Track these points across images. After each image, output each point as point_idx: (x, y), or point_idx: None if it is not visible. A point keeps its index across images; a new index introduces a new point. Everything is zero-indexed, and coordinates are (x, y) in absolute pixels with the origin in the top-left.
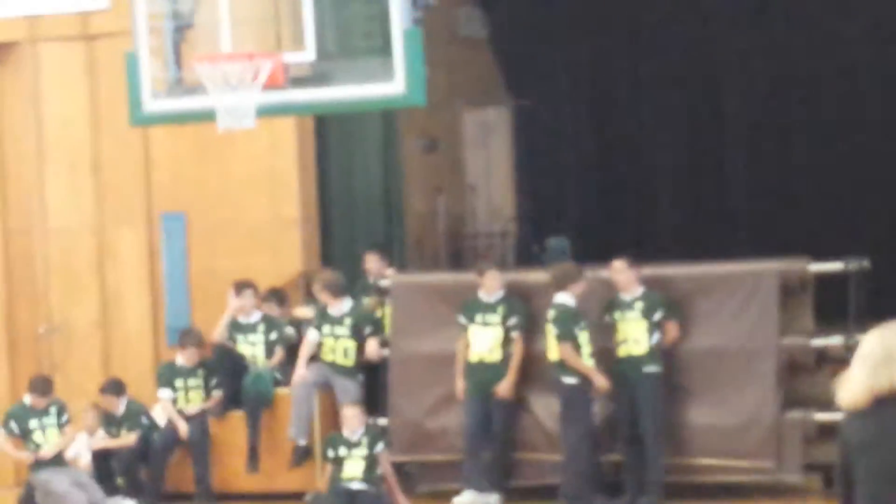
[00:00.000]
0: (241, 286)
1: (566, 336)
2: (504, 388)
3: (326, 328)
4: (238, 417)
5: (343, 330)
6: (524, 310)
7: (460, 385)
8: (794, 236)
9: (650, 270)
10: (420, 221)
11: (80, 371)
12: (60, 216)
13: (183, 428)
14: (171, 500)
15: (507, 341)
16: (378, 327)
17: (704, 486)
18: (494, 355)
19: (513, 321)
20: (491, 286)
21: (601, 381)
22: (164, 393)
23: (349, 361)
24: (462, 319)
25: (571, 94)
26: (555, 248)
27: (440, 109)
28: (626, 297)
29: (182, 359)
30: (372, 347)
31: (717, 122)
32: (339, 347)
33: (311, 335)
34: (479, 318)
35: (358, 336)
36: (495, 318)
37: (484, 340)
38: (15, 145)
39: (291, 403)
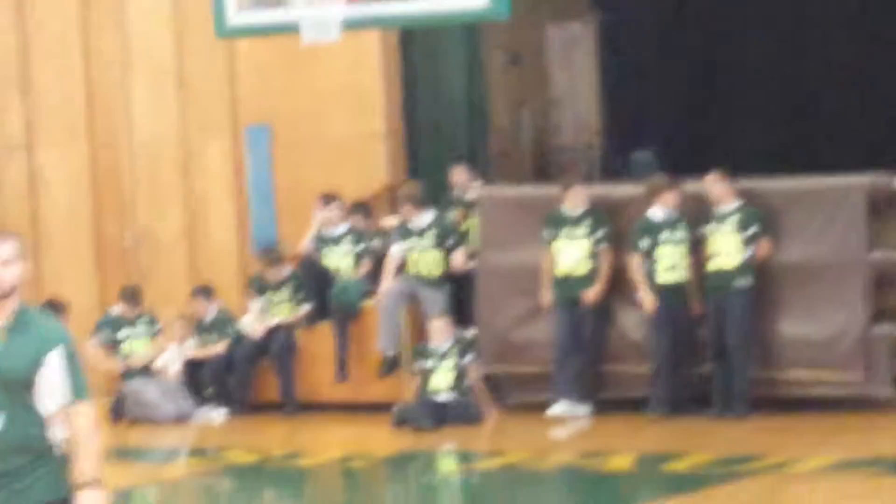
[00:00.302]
0: (327, 199)
1: (633, 247)
2: (592, 294)
3: (410, 240)
4: (325, 329)
5: (426, 241)
6: (610, 222)
7: (546, 297)
8: (882, 152)
9: (738, 185)
10: (504, 135)
11: (167, 282)
12: (146, 129)
13: (257, 332)
14: (259, 409)
15: (593, 255)
16: (462, 238)
17: (792, 398)
18: (582, 269)
19: (599, 234)
20: (575, 201)
21: (648, 302)
22: (256, 304)
23: (435, 272)
24: (547, 234)
25: (656, 7)
26: (639, 161)
27: (524, 23)
28: (721, 209)
29: (269, 275)
30: (458, 259)
31: (802, 34)
32: (424, 259)
33: (396, 248)
34: (564, 232)
35: (442, 247)
36: (581, 231)
37: (570, 254)
38: (101, 60)
39: (379, 315)
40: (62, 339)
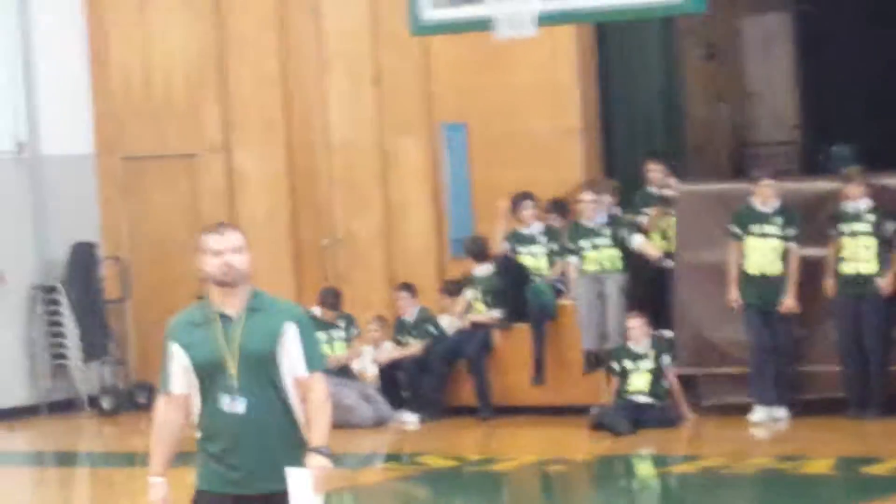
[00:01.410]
0: (518, 198)
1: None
2: (788, 304)
3: (584, 243)
4: (522, 330)
5: (604, 241)
6: (800, 220)
7: (734, 295)
8: None
9: None
10: (701, 130)
11: (363, 283)
12: (342, 129)
13: (465, 324)
14: (454, 412)
15: (784, 254)
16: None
17: None
18: (775, 267)
19: (790, 232)
20: (765, 195)
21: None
22: (462, 299)
23: (616, 266)
24: (735, 229)
25: None
26: (839, 156)
27: (720, 16)
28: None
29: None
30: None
31: None
32: (604, 258)
33: (571, 259)
34: (755, 228)
35: (618, 243)
36: (772, 228)
37: (762, 252)
38: (297, 59)
39: (577, 314)
40: (297, 313)
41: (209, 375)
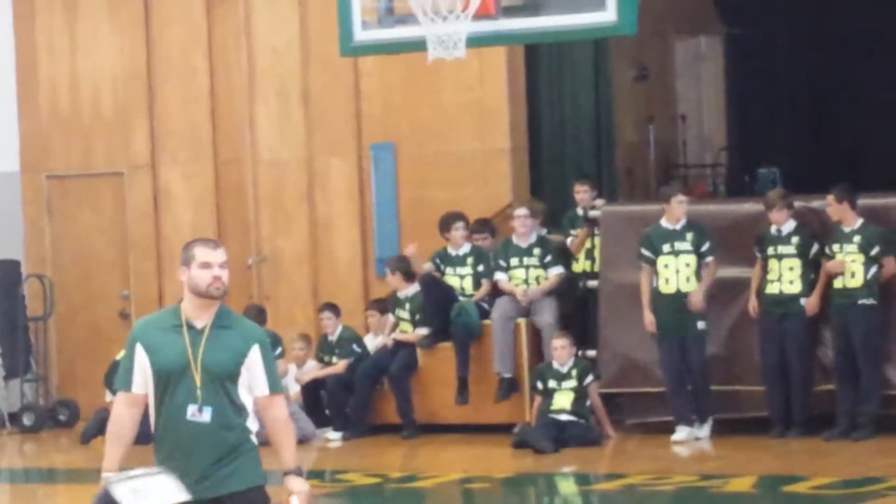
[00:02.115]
0: (449, 218)
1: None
2: (694, 301)
3: (514, 261)
4: (446, 349)
5: (533, 260)
6: (712, 235)
7: (649, 318)
8: None
9: (865, 200)
10: (630, 151)
11: (289, 301)
12: (270, 147)
13: (388, 343)
14: (377, 430)
15: (698, 269)
16: (559, 259)
17: None
18: (690, 285)
19: (704, 246)
20: (677, 212)
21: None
22: (385, 320)
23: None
24: (646, 252)
25: (784, 23)
26: (766, 178)
27: (651, 38)
28: (844, 229)
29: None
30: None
31: None
32: (531, 277)
33: (499, 276)
34: (666, 247)
35: (545, 266)
36: (684, 245)
37: (676, 268)
38: (226, 77)
39: (492, 337)
40: (261, 335)
41: (169, 381)
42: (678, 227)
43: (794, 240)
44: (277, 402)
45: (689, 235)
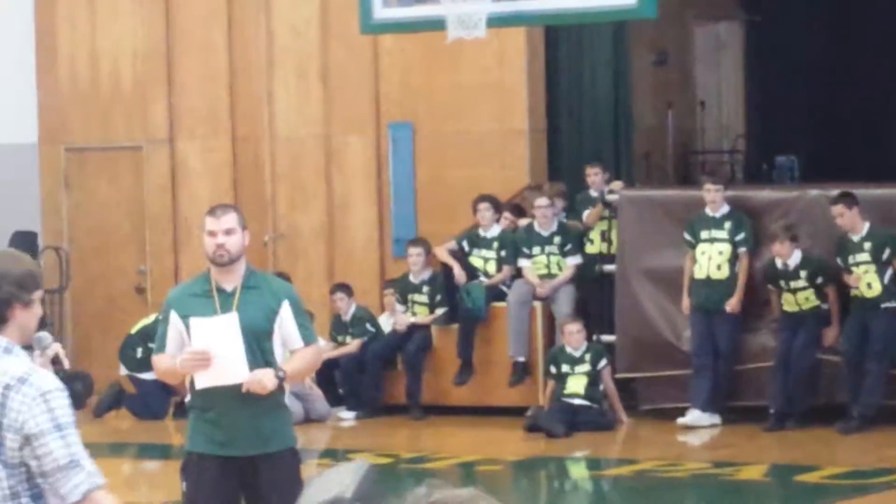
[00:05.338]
0: (479, 199)
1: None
2: (733, 304)
3: (536, 249)
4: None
5: (553, 248)
6: (751, 226)
7: (686, 302)
8: None
9: (881, 191)
10: (648, 136)
11: (304, 279)
12: (288, 124)
13: (402, 326)
14: (390, 411)
15: (734, 258)
16: (578, 248)
17: None
18: (722, 272)
19: (740, 237)
20: (713, 200)
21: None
22: (398, 304)
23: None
24: (688, 237)
25: (804, 11)
26: (784, 166)
27: (671, 23)
28: (853, 238)
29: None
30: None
31: None
32: (552, 264)
33: (522, 262)
34: (704, 234)
35: (564, 254)
36: (721, 233)
37: (710, 256)
38: (245, 53)
39: (508, 321)
40: (291, 291)
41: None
42: (717, 215)
43: (803, 273)
44: (310, 351)
45: (728, 224)
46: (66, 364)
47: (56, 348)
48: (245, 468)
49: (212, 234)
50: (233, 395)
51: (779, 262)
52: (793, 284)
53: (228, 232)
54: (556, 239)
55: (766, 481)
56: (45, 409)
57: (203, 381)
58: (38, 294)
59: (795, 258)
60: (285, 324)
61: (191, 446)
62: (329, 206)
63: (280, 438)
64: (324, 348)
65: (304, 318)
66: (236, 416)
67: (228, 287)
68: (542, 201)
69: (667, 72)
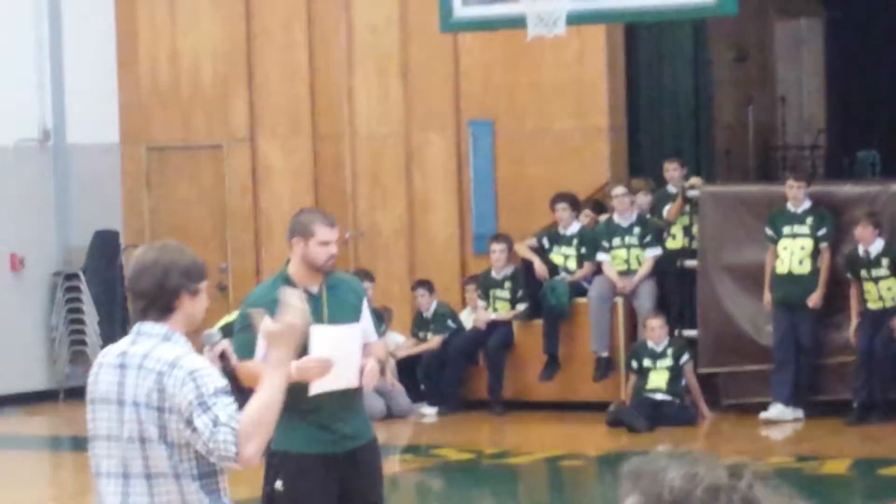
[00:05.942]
0: (558, 198)
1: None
2: (815, 299)
3: (616, 240)
4: (541, 326)
5: (633, 240)
6: (832, 220)
7: (768, 297)
8: None
9: None
10: (729, 132)
11: (385, 276)
12: (369, 122)
13: (482, 323)
14: (471, 407)
15: (816, 253)
16: (658, 240)
17: None
18: (804, 267)
19: (822, 232)
20: (794, 196)
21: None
22: (479, 300)
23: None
24: (770, 232)
25: (884, 6)
26: (865, 161)
27: (751, 19)
28: (870, 251)
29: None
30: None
31: None
32: (632, 257)
33: (602, 257)
34: (786, 229)
35: (644, 245)
36: (803, 229)
37: (792, 251)
38: (325, 52)
39: (590, 316)
40: (362, 288)
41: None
42: (799, 210)
43: (884, 262)
44: (381, 345)
45: (809, 220)
46: (234, 360)
47: (224, 344)
48: (343, 463)
49: (326, 243)
50: (340, 395)
51: (860, 249)
52: (874, 273)
53: (336, 242)
54: (636, 230)
55: (849, 475)
56: (192, 388)
57: (318, 387)
58: (203, 284)
59: (877, 246)
60: (365, 318)
61: (287, 446)
62: (409, 203)
63: (369, 428)
64: (403, 344)
65: (372, 312)
66: (342, 415)
67: (314, 289)
68: (619, 190)
69: (747, 68)
